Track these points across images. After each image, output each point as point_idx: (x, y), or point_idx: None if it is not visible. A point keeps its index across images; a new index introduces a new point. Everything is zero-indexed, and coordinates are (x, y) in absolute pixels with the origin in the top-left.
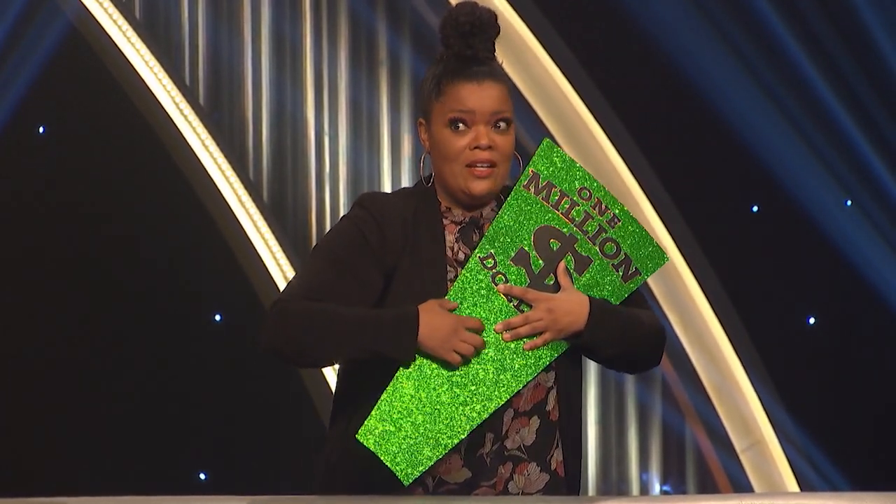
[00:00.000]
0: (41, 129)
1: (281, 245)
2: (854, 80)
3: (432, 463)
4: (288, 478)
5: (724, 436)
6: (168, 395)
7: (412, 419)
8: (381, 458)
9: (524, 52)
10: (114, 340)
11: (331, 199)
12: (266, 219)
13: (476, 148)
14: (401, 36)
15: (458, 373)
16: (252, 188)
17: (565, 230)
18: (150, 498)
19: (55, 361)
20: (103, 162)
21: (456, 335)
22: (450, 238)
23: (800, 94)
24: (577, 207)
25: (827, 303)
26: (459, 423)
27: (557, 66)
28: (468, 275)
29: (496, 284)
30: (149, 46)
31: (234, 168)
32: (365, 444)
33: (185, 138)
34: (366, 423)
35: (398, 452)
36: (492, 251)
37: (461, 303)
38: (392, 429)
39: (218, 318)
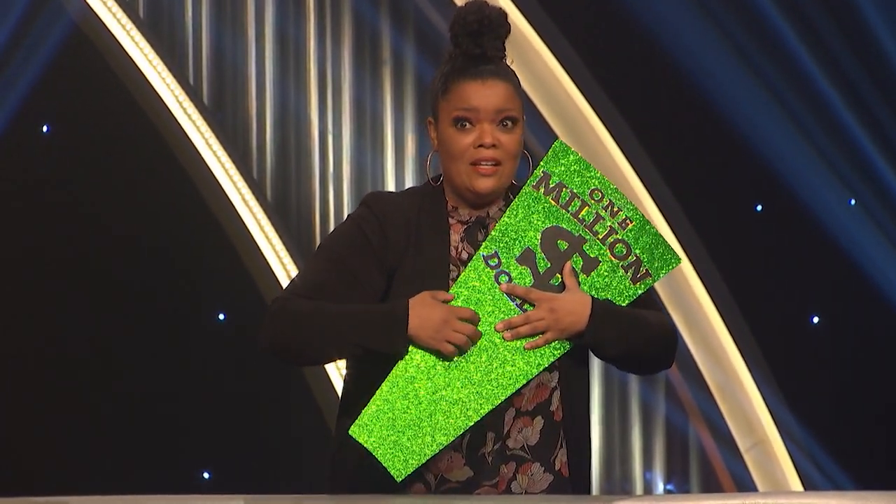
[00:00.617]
0: (45, 129)
1: (284, 244)
2: (857, 80)
3: (425, 460)
4: (292, 477)
5: (728, 435)
6: (171, 395)
7: (406, 415)
8: (374, 453)
9: (528, 52)
10: (117, 340)
11: (334, 199)
12: (270, 218)
13: (480, 146)
14: (404, 35)
15: (455, 369)
16: (256, 187)
17: (574, 231)
18: (149, 497)
19: (57, 361)
20: (107, 161)
21: (448, 325)
22: (455, 237)
23: (803, 94)
24: (588, 209)
25: (830, 302)
26: (455, 420)
27: (561, 65)
28: (471, 272)
29: (499, 283)
30: (152, 45)
31: (238, 167)
32: (357, 439)
33: (188, 137)
34: (359, 418)
35: (391, 448)
36: (496, 250)
37: (463, 301)
38: (385, 424)
39: (221, 317)
